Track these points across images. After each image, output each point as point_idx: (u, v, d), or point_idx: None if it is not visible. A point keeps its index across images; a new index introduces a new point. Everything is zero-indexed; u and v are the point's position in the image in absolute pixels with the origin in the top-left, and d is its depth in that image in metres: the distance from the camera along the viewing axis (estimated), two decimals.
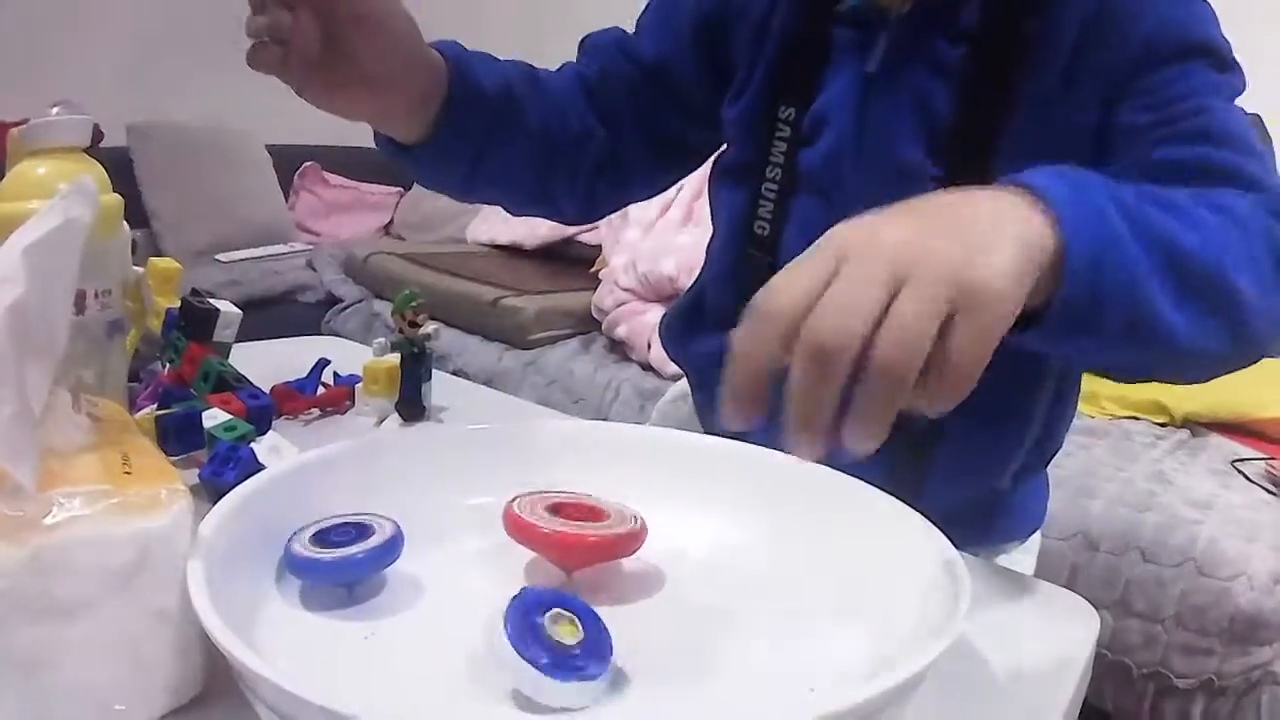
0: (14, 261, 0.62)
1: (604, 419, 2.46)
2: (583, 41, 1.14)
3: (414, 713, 0.57)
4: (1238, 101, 0.89)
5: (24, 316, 0.60)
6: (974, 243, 0.57)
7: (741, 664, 0.64)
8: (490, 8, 4.92)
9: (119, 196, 0.94)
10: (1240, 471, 2.02)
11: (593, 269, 3.23)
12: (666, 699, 0.60)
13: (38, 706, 0.54)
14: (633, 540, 0.71)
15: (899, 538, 0.70)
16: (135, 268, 1.00)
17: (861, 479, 0.76)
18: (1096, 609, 1.43)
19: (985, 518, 0.82)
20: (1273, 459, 2.09)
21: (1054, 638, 0.77)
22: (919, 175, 0.92)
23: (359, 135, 4.04)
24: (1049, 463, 1.09)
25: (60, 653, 0.55)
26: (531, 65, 1.08)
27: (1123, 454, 2.04)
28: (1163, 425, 2.29)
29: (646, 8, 1.14)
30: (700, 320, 1.14)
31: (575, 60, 1.13)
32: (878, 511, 0.74)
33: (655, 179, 1.16)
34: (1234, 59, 0.89)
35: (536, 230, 3.64)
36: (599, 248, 3.30)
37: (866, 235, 0.58)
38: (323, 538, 0.68)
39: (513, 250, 3.75)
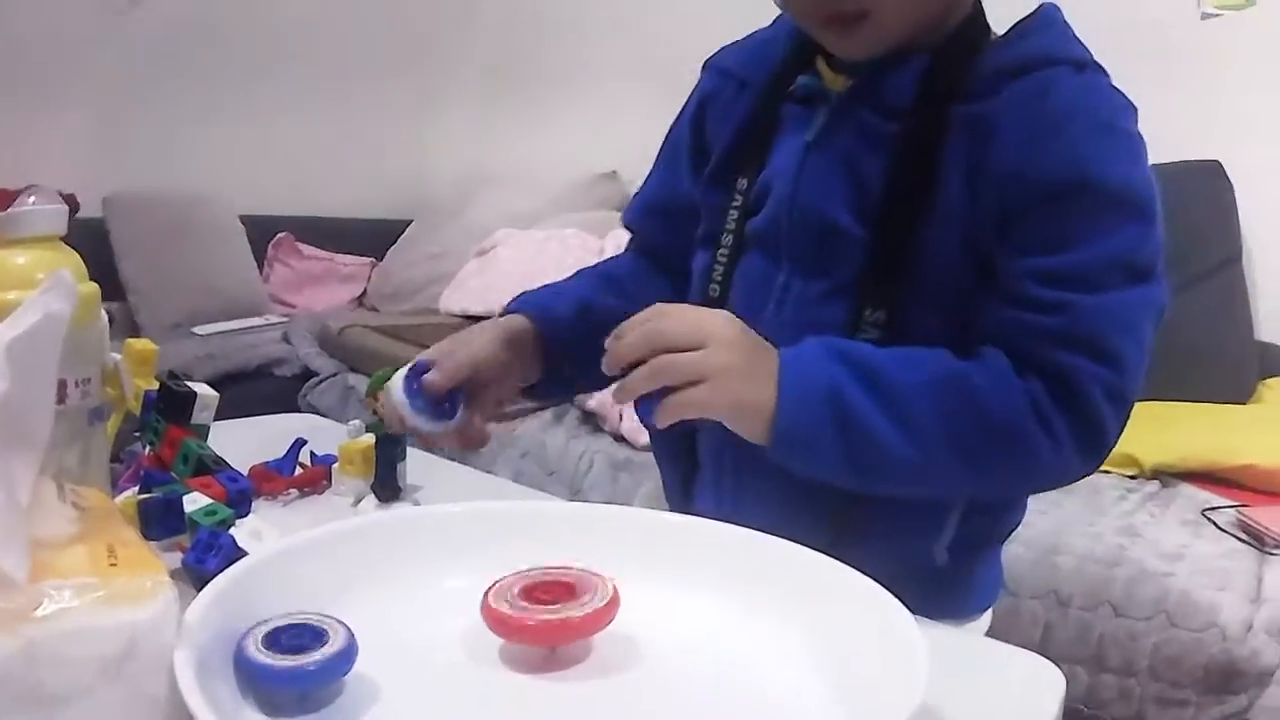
0: None
1: (578, 491, 2.48)
2: (624, 220, 1.31)
3: None
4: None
5: (8, 412, 0.62)
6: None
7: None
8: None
9: (95, 285, 0.95)
10: (1211, 520, 2.03)
11: None
12: None
13: None
14: (607, 614, 0.73)
15: (859, 608, 0.73)
16: (113, 354, 1.02)
17: (805, 542, 0.82)
18: (1071, 665, 1.45)
19: (927, 592, 0.85)
20: (1244, 506, 2.10)
21: (1021, 700, 0.79)
22: (846, 236, 1.00)
23: (332, 206, 4.06)
24: (1003, 539, 1.13)
25: None
26: (604, 266, 1.29)
27: (1093, 508, 2.06)
28: (1133, 478, 2.30)
29: (659, 154, 1.26)
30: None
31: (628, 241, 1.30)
32: (837, 582, 0.76)
33: None
34: (1150, 210, 0.94)
35: (507, 300, 3.66)
36: None
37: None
38: (275, 639, 0.68)
39: (485, 320, 3.76)
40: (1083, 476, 0.98)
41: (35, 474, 0.65)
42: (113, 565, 0.62)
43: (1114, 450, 2.23)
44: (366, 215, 4.84)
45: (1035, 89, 0.96)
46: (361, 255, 4.73)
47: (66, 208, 0.96)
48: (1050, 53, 0.99)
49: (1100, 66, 1.01)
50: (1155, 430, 2.45)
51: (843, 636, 0.72)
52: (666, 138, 1.24)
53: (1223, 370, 2.74)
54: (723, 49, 1.20)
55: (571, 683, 0.72)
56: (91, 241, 3.66)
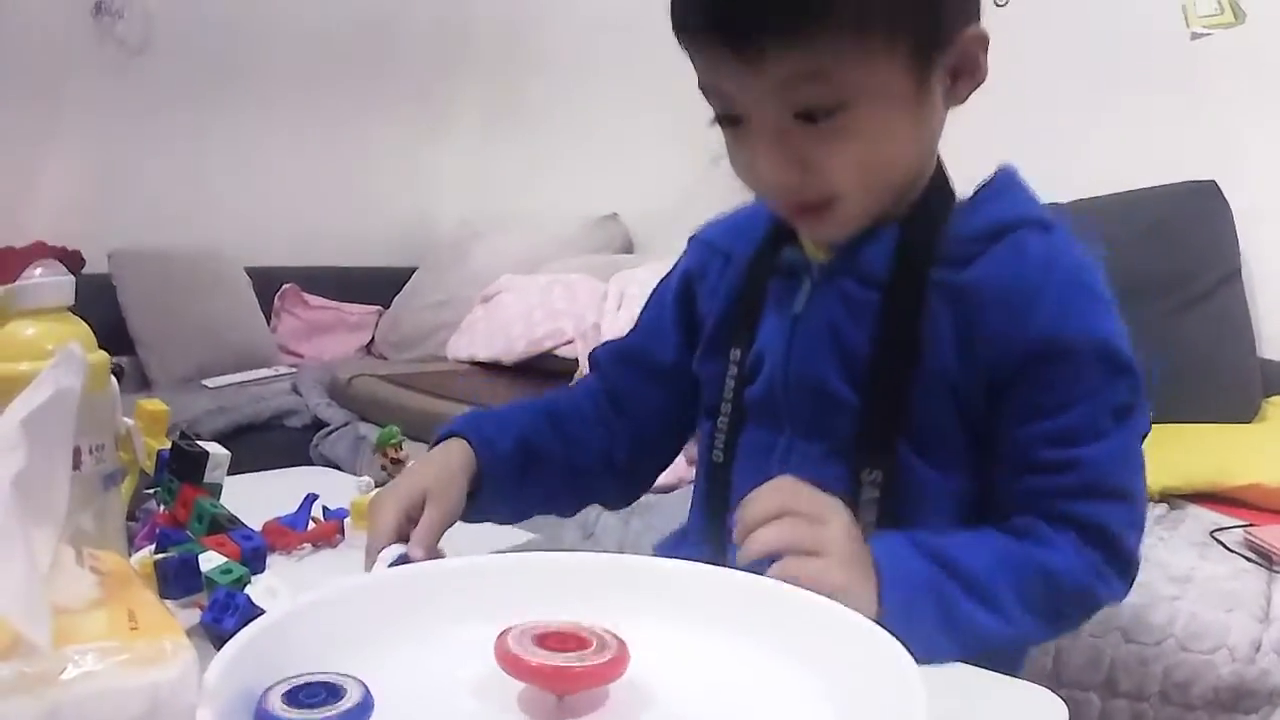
0: (14, 433, 0.66)
1: (590, 534, 2.49)
2: (592, 355, 1.36)
3: None
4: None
5: (27, 485, 0.64)
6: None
7: None
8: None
9: (105, 354, 0.98)
10: (1220, 542, 2.04)
11: (571, 382, 3.26)
12: None
13: None
14: (616, 666, 0.75)
15: (860, 648, 0.75)
16: (125, 419, 1.04)
17: None
18: (1084, 691, 1.47)
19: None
20: (1251, 525, 2.11)
21: None
22: (839, 402, 1.08)
23: (337, 256, 4.09)
24: None
25: None
26: (551, 400, 1.31)
27: None
28: None
29: (642, 311, 1.34)
30: (684, 540, 1.26)
31: (588, 374, 1.35)
32: (840, 624, 0.79)
33: (681, 440, 1.34)
34: (1127, 359, 1.02)
35: (514, 347, 3.68)
36: (575, 360, 3.34)
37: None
38: (294, 696, 0.70)
39: (492, 367, 3.78)
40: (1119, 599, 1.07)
41: (55, 544, 0.67)
42: (133, 629, 0.64)
43: None
44: (371, 264, 4.88)
45: (1008, 254, 1.04)
46: (368, 304, 4.77)
47: (72, 279, 0.98)
48: (1017, 215, 1.06)
49: (1061, 223, 1.09)
50: (1162, 453, 2.44)
51: (844, 674, 0.74)
52: (652, 296, 1.33)
53: (1227, 390, 2.74)
54: (708, 224, 1.29)
55: None
56: (99, 296, 3.75)
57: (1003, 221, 1.05)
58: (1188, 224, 2.85)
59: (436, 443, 1.18)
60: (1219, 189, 2.83)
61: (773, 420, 1.14)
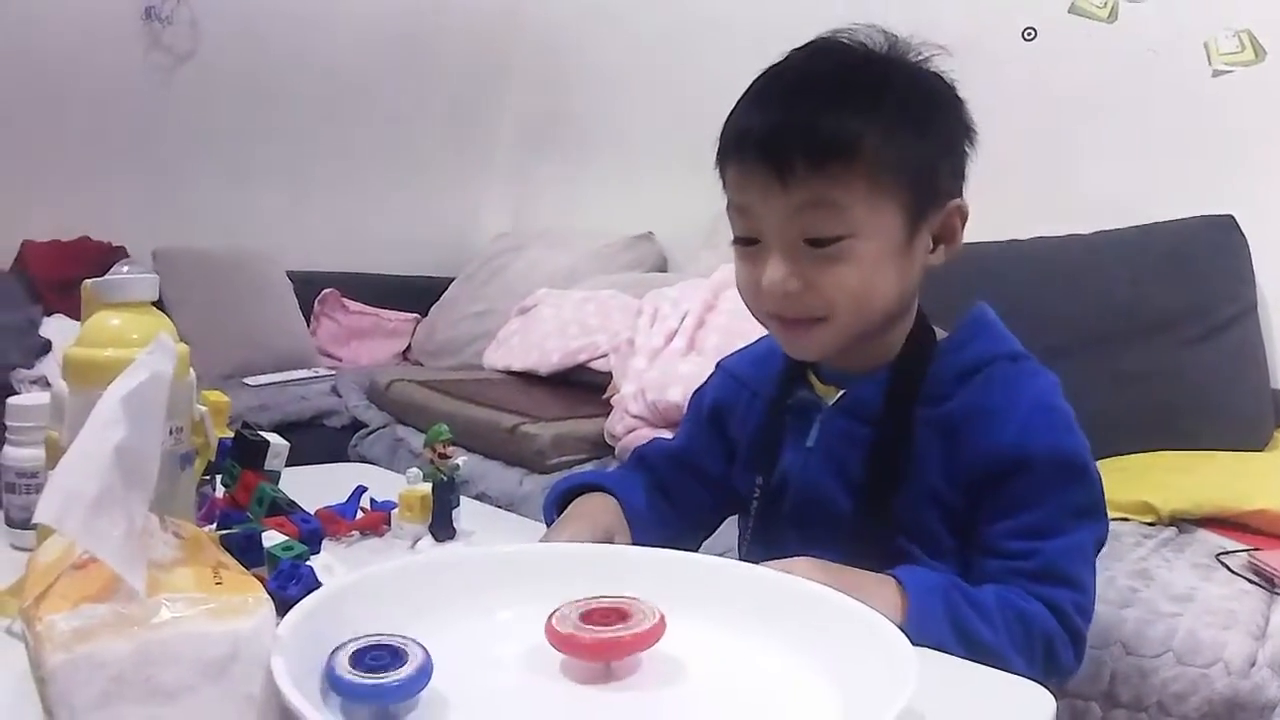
0: (115, 409, 0.75)
1: None
2: (639, 452, 1.54)
3: None
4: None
5: (127, 454, 0.73)
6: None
7: None
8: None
9: (186, 345, 1.06)
10: (1224, 564, 2.08)
11: (605, 395, 3.31)
12: None
13: None
14: (656, 633, 0.85)
15: (864, 633, 0.84)
16: (199, 406, 1.12)
17: None
18: (1085, 701, 1.56)
19: None
20: (1256, 549, 2.15)
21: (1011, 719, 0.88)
22: (841, 515, 1.26)
23: (377, 263, 4.16)
24: None
25: None
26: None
27: (1109, 554, 2.10)
28: (1151, 524, 2.35)
29: (684, 420, 1.55)
30: None
31: (635, 467, 1.51)
32: (847, 613, 0.88)
33: (719, 523, 1.53)
34: (1083, 466, 1.21)
35: (549, 358, 3.72)
36: (609, 374, 3.39)
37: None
38: (360, 658, 0.77)
39: (527, 376, 3.82)
40: (1069, 678, 1.22)
41: (147, 508, 0.76)
42: (218, 584, 0.72)
43: (1132, 499, 2.30)
44: (411, 272, 4.96)
45: (982, 386, 1.23)
46: (406, 311, 4.83)
47: (157, 277, 1.07)
48: (990, 353, 1.26)
49: (1027, 354, 1.28)
50: (1173, 479, 2.51)
51: (848, 658, 0.83)
52: (690, 409, 1.54)
53: (1241, 419, 2.79)
54: (734, 354, 1.51)
55: (624, 693, 0.83)
56: None
57: (978, 360, 1.25)
58: (1206, 257, 2.89)
59: (566, 492, 1.37)
60: (1236, 223, 2.88)
61: (788, 525, 1.32)
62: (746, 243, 1.22)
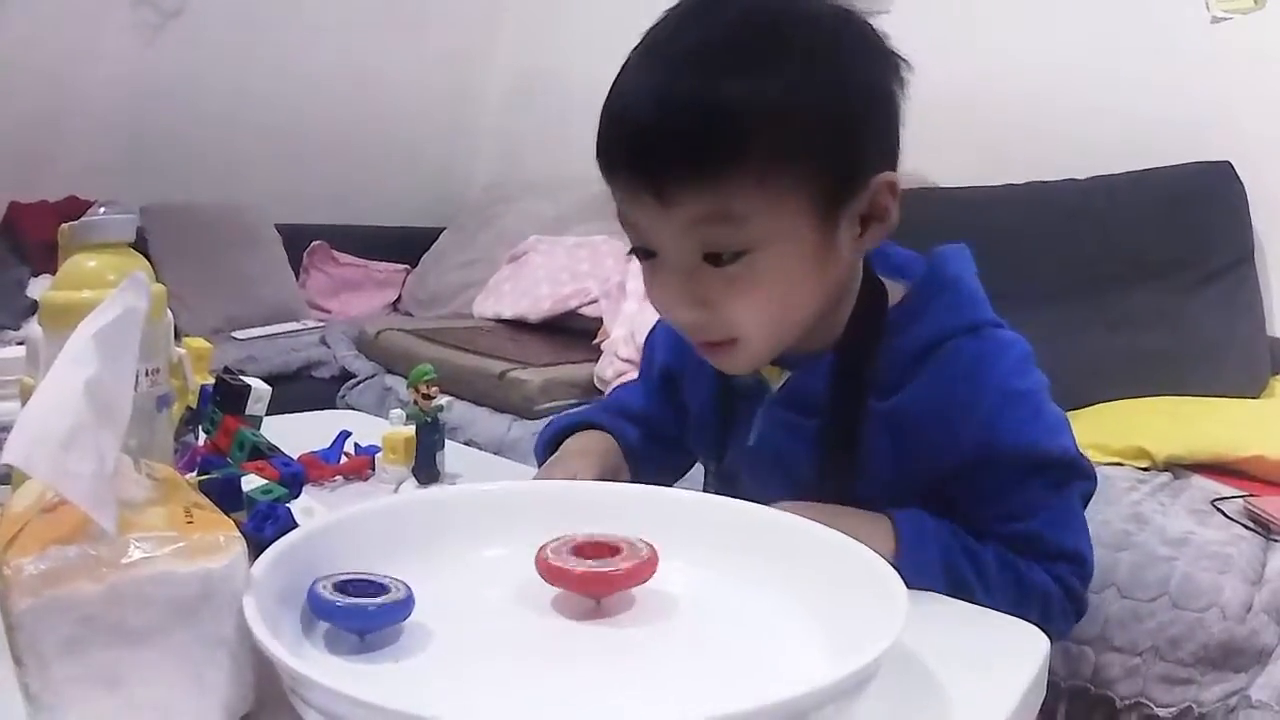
0: (86, 345, 0.73)
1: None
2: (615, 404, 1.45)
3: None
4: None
5: (98, 391, 0.71)
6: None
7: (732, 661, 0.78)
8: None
9: (162, 285, 1.03)
10: (1220, 510, 2.08)
11: (595, 340, 3.31)
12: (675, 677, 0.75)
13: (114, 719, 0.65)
14: (649, 567, 0.83)
15: (856, 569, 0.82)
16: (177, 348, 1.10)
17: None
18: (1079, 645, 1.54)
19: None
20: (1251, 495, 2.16)
21: (1002, 659, 0.86)
22: None
23: (366, 214, 4.14)
24: None
25: (133, 672, 0.65)
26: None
27: (1103, 498, 2.09)
28: (1145, 469, 2.35)
29: (641, 371, 1.47)
30: None
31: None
32: (838, 550, 0.85)
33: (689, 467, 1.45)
34: (1055, 457, 1.09)
35: (540, 305, 3.72)
36: (600, 320, 3.38)
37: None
38: (343, 587, 0.76)
39: (517, 324, 3.83)
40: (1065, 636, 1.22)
41: (119, 447, 0.73)
42: (189, 523, 0.70)
43: (1127, 444, 2.30)
44: (399, 223, 4.94)
45: (937, 372, 1.09)
46: (396, 262, 4.82)
47: (135, 216, 1.04)
48: (945, 329, 1.10)
49: (990, 319, 1.13)
50: (1168, 424, 2.51)
51: (839, 591, 0.81)
52: (644, 354, 1.45)
53: (1236, 366, 2.78)
54: None
55: (613, 629, 0.81)
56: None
57: (932, 338, 1.10)
58: (1202, 204, 2.89)
59: (560, 431, 1.33)
60: (1234, 170, 2.87)
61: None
62: (644, 254, 1.07)
